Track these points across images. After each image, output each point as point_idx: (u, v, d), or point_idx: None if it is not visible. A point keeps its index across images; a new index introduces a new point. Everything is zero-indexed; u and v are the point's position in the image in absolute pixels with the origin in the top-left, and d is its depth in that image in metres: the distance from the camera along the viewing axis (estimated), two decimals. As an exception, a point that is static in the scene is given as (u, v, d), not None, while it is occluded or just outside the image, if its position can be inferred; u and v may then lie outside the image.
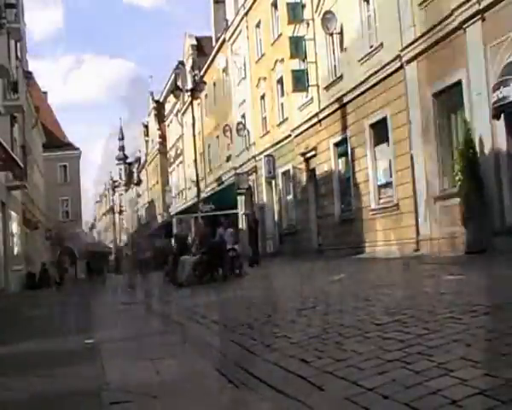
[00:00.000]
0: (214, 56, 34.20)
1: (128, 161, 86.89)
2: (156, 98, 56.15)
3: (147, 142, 63.96)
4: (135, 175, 74.84)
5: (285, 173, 24.46)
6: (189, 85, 33.40)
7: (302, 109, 21.63)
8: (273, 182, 25.88)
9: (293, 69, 21.12)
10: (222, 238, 14.86)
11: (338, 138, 18.80)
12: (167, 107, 50.59)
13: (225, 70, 32.40)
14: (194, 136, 22.65)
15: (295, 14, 20.83)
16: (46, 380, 4.16)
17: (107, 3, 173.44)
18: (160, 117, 54.85)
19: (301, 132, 21.78)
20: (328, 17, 18.30)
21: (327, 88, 19.49)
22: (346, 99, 17.87)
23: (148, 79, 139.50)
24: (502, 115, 10.81)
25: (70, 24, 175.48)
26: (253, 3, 27.00)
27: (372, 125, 16.67)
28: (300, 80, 20.66)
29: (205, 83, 23.76)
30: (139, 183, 70.51)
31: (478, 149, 11.42)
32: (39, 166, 40.69)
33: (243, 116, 29.46)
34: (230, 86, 31.45)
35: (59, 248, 44.26)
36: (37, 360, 5.12)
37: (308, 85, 20.49)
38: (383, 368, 3.14)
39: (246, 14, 28.17)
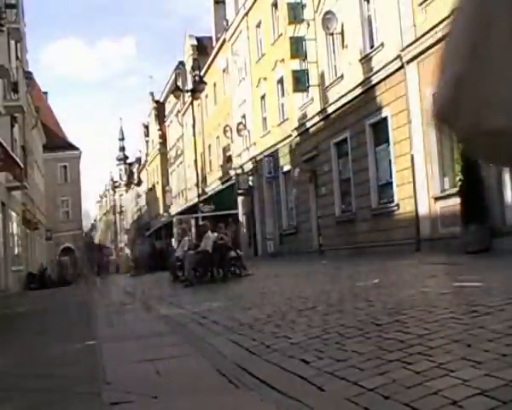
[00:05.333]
0: (214, 56, 34.22)
1: (128, 161, 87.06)
2: (156, 98, 56.17)
3: (147, 142, 63.98)
4: (135, 175, 74.87)
5: (285, 173, 24.46)
6: (190, 86, 33.50)
7: (302, 109, 21.64)
8: (273, 182, 25.89)
9: (293, 69, 21.12)
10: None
11: (338, 138, 18.80)
12: (167, 107, 50.61)
13: (226, 70, 32.41)
14: (194, 136, 22.66)
15: (296, 14, 20.84)
16: (46, 380, 4.15)
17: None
18: (161, 117, 54.86)
19: (302, 132, 21.78)
20: (328, 17, 18.32)
21: (327, 88, 19.49)
22: (346, 99, 17.87)
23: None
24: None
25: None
26: (253, 4, 27.01)
27: (372, 125, 16.67)
28: (301, 80, 20.67)
29: (205, 83, 23.73)
30: (139, 183, 70.53)
31: (478, 149, 11.40)
32: (39, 167, 40.72)
33: (243, 116, 29.47)
34: (231, 86, 31.46)
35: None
36: (37, 361, 5.13)
37: (308, 85, 20.50)
38: (384, 368, 3.13)
39: (246, 14, 28.18)
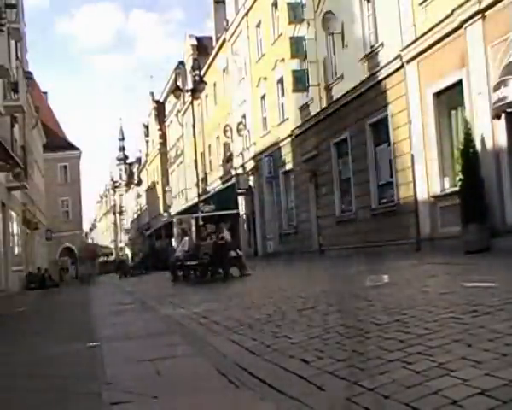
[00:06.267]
0: (215, 56, 34.21)
1: (128, 161, 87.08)
2: (156, 98, 56.14)
3: (147, 142, 63.97)
4: (135, 175, 74.86)
5: (285, 173, 24.45)
6: (190, 85, 33.49)
7: (303, 109, 21.63)
8: (273, 182, 25.88)
9: (293, 69, 21.12)
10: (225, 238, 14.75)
11: (338, 138, 18.79)
12: (167, 107, 50.59)
13: (226, 70, 32.41)
14: (194, 136, 22.63)
15: (296, 13, 20.84)
16: (46, 380, 4.15)
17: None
18: (161, 117, 54.85)
19: (302, 132, 21.77)
20: (328, 17, 18.30)
21: (327, 88, 19.48)
22: (346, 99, 17.86)
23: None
24: (502, 115, 10.81)
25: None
26: (253, 3, 27.00)
27: (372, 125, 16.66)
28: (301, 80, 20.67)
29: (205, 83, 23.70)
30: (139, 183, 70.52)
31: (478, 148, 11.42)
32: (39, 167, 40.72)
33: (244, 116, 29.46)
34: (231, 86, 31.45)
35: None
36: (37, 361, 5.13)
37: (308, 85, 20.49)
38: (384, 368, 3.13)
39: (246, 14, 28.17)
